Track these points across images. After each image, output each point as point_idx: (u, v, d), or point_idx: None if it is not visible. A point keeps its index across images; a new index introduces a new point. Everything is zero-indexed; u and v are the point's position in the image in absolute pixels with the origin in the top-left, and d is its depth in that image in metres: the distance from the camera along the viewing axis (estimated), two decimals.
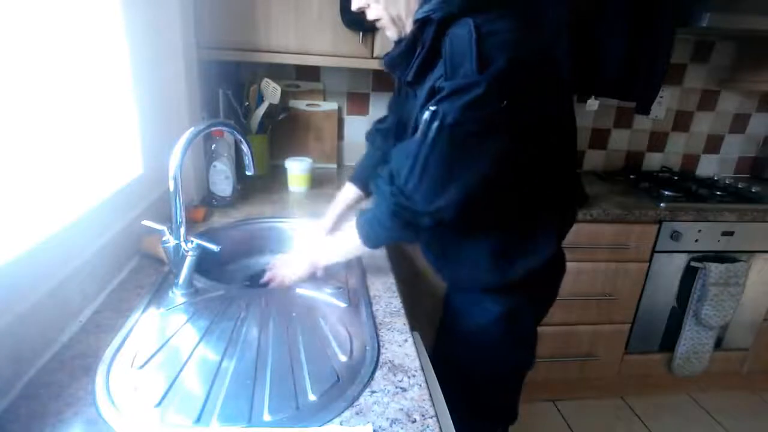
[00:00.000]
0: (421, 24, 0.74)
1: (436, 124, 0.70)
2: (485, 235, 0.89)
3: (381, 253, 1.07)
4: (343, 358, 0.73)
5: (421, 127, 0.72)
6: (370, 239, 0.85)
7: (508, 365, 1.03)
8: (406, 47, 0.78)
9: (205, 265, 0.92)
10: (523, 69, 0.69)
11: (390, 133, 1.06)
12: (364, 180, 1.09)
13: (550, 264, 0.92)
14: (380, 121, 1.12)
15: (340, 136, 1.82)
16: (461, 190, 0.75)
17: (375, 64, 1.43)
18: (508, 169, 0.78)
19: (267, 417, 0.60)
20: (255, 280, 1.01)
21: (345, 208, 1.12)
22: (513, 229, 0.88)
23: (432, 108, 0.70)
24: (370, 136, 1.13)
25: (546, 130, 0.80)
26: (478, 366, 1.01)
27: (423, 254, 1.04)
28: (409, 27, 0.80)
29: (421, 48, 0.75)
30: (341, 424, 0.58)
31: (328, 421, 0.58)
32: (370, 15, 0.83)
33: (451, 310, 1.04)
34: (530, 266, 0.89)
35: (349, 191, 1.13)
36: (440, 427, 0.59)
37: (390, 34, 0.84)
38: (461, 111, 0.68)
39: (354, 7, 0.83)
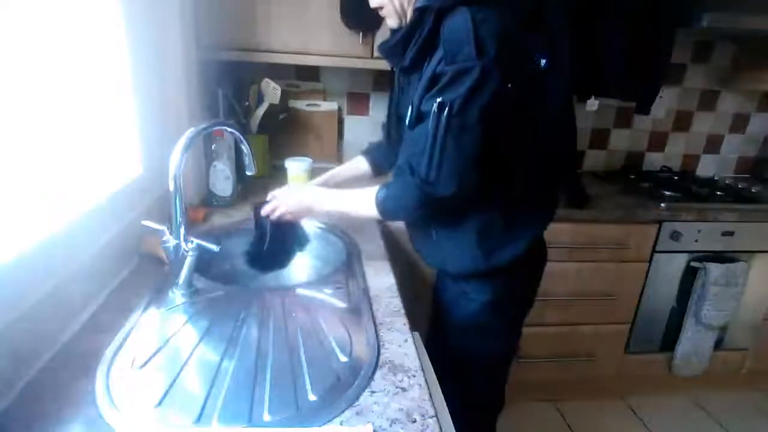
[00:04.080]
0: (420, 12, 0.79)
1: (444, 114, 0.75)
2: (468, 220, 0.91)
3: (381, 253, 1.08)
4: (343, 358, 0.73)
5: (431, 119, 0.77)
6: (390, 216, 0.91)
7: (496, 353, 1.06)
8: (405, 34, 0.82)
9: (206, 265, 0.92)
10: (512, 54, 0.76)
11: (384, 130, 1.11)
12: (375, 157, 1.14)
13: (532, 252, 0.95)
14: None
15: (340, 136, 1.82)
16: (477, 171, 0.81)
17: (375, 64, 1.43)
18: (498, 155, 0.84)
19: (267, 417, 0.60)
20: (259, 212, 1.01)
21: (347, 173, 1.15)
22: (495, 216, 0.91)
23: (438, 99, 0.76)
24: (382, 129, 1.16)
25: (525, 120, 0.85)
26: (468, 355, 1.03)
27: (410, 240, 1.07)
28: (409, 15, 0.84)
29: (419, 35, 0.80)
30: (341, 424, 0.58)
31: (328, 421, 0.58)
32: (374, 2, 0.86)
33: (440, 302, 1.07)
34: (514, 253, 0.92)
35: (359, 163, 1.15)
36: (440, 427, 0.59)
37: (391, 22, 0.88)
38: (465, 97, 0.75)
39: None
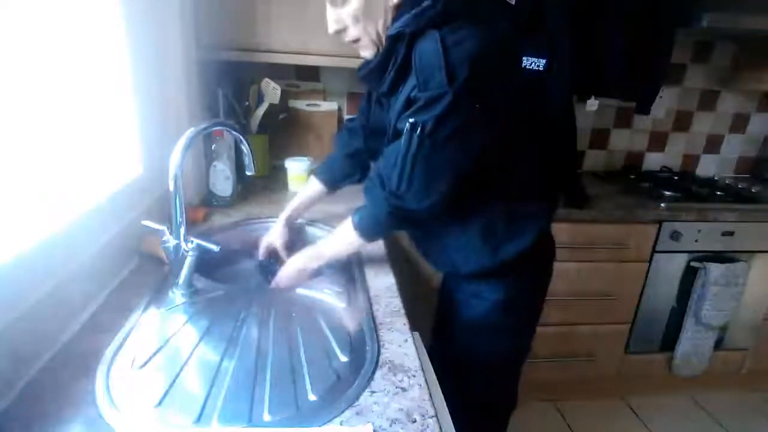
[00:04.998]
0: (394, 39, 0.79)
1: (416, 134, 0.77)
2: (469, 219, 0.91)
3: (381, 253, 1.07)
4: (343, 358, 0.73)
5: (404, 136, 0.79)
6: (369, 235, 0.90)
7: (501, 353, 1.06)
8: (381, 61, 0.83)
9: (206, 265, 0.92)
10: (486, 73, 0.75)
11: (355, 132, 1.11)
12: (328, 177, 1.14)
13: (539, 246, 0.95)
14: (350, 120, 1.17)
15: None
16: (448, 186, 0.81)
17: None
18: (489, 160, 0.84)
19: (267, 417, 0.60)
20: (264, 270, 1.05)
21: (307, 201, 1.15)
22: (497, 213, 0.91)
23: (411, 120, 0.77)
24: (338, 134, 1.16)
25: (515, 123, 0.84)
26: (470, 354, 1.03)
27: (413, 244, 1.07)
28: (384, 44, 0.83)
29: (394, 61, 0.81)
30: (341, 424, 0.58)
31: (328, 421, 0.58)
32: (349, 36, 0.85)
33: (449, 303, 1.06)
34: (519, 248, 0.92)
35: (314, 186, 1.15)
36: (440, 427, 0.59)
37: (367, 54, 0.86)
38: (437, 120, 0.75)
39: (330, 30, 0.86)
